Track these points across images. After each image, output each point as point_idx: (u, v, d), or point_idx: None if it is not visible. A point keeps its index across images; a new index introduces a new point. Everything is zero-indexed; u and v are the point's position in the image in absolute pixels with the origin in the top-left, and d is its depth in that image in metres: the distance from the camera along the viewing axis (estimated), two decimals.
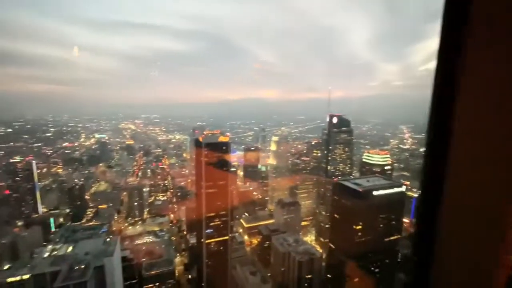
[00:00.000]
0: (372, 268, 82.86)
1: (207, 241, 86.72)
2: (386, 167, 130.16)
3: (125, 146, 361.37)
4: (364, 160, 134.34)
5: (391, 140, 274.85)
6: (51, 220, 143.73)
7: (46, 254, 56.95)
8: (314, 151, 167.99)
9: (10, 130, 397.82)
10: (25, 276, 69.36)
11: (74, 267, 51.29)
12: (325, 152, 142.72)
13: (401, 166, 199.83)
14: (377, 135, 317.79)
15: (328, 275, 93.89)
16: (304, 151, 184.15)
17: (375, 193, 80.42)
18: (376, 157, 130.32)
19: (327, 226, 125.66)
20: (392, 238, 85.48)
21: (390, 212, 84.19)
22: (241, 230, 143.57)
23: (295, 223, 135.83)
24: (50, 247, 65.29)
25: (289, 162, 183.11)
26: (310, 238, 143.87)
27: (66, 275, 49.25)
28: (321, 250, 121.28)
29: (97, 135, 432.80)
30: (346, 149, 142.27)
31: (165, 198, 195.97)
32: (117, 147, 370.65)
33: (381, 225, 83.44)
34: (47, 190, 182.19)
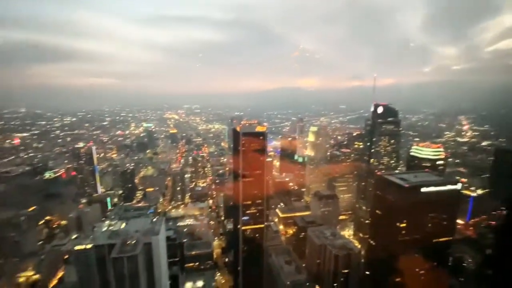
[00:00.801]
0: (417, 270, 76.95)
1: (243, 228, 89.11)
2: (438, 162, 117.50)
3: (169, 134, 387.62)
4: (412, 153, 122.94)
5: (446, 132, 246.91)
6: (108, 199, 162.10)
7: (104, 229, 64.16)
8: (356, 142, 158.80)
9: (75, 119, 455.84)
10: (88, 246, 79.92)
11: (126, 241, 56.96)
12: (368, 144, 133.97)
13: (457, 161, 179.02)
14: (429, 127, 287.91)
15: (367, 272, 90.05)
16: (345, 143, 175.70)
17: (423, 189, 73.52)
18: (426, 151, 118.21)
19: (367, 221, 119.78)
20: (442, 239, 78.00)
21: (441, 212, 76.49)
22: (276, 220, 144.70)
23: (332, 217, 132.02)
24: (107, 222, 73.61)
25: (328, 153, 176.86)
26: (348, 233, 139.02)
27: (120, 248, 55.02)
28: (359, 246, 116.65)
29: (144, 124, 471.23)
30: (392, 141, 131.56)
31: (204, 184, 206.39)
32: (162, 136, 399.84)
33: (430, 225, 76.48)
34: (104, 173, 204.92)
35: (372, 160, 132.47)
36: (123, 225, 66.32)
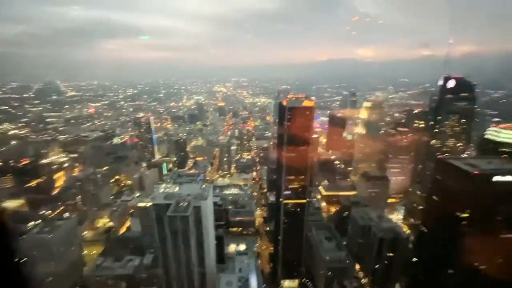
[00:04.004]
0: (476, 264, 69.46)
1: (285, 201, 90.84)
2: None
3: (217, 107, 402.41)
4: (487, 136, 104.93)
5: None
6: (164, 164, 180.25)
7: (161, 190, 72.32)
8: (416, 121, 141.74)
9: (135, 91, 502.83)
10: (148, 204, 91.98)
11: (179, 203, 63.54)
12: (431, 123, 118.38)
13: None
14: None
15: (415, 259, 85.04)
16: (403, 121, 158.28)
17: (496, 178, 63.34)
18: (507, 134, 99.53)
19: (420, 207, 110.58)
20: None
21: None
22: (319, 197, 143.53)
23: (380, 199, 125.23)
24: (163, 185, 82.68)
25: (382, 132, 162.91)
26: (396, 217, 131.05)
27: (174, 208, 61.82)
28: (408, 231, 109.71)
29: (195, 97, 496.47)
30: (463, 120, 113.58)
31: (249, 157, 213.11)
32: (211, 108, 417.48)
33: (499, 218, 66.70)
34: (160, 141, 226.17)
35: (434, 141, 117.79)
36: (177, 188, 73.56)
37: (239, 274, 68.17)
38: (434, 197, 78.89)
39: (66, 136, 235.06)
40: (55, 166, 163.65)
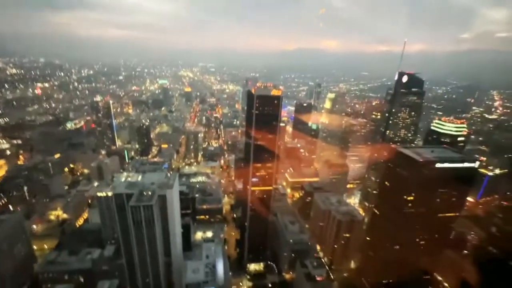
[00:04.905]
0: (417, 240, 79.44)
1: (252, 188, 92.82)
2: (459, 139, 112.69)
3: (184, 93, 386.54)
4: (432, 128, 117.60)
5: (474, 108, 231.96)
6: (125, 152, 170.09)
7: (123, 179, 68.59)
8: (374, 112, 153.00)
9: (92, 71, 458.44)
10: (109, 194, 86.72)
11: (143, 192, 61.17)
12: (386, 114, 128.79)
13: (480, 139, 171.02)
14: (455, 100, 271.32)
15: (368, 238, 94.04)
16: (362, 112, 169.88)
17: (438, 165, 71.74)
18: (448, 126, 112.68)
19: (374, 192, 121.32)
20: (448, 214, 78.43)
21: (452, 188, 75.42)
22: (284, 183, 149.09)
23: (340, 184, 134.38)
24: (125, 174, 78.49)
25: (343, 122, 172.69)
26: (353, 201, 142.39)
27: (137, 198, 59.42)
28: (363, 214, 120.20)
29: (160, 81, 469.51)
30: (413, 113, 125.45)
31: (217, 145, 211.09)
32: (177, 94, 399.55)
33: (438, 200, 76.40)
34: (121, 127, 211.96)
35: (388, 131, 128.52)
36: (140, 177, 70.40)
37: (206, 261, 68.97)
38: (386, 182, 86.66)
39: (7, 120, 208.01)
40: None
